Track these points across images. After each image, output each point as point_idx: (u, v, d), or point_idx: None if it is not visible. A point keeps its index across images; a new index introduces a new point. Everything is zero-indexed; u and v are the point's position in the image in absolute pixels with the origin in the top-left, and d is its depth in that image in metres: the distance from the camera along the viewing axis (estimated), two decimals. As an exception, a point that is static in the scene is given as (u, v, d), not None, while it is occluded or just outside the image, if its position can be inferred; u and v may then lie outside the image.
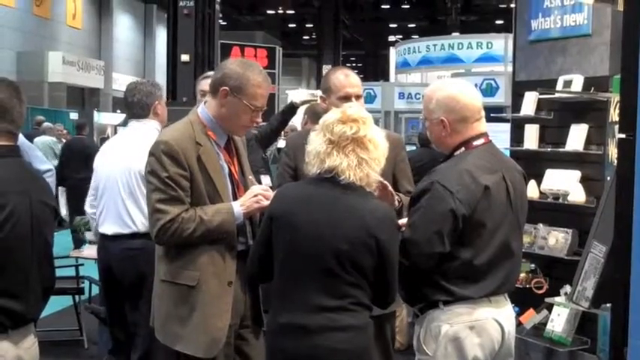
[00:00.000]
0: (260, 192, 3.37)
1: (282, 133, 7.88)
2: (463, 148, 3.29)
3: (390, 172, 3.73)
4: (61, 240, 7.78)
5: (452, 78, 12.77)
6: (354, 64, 56.86)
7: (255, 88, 3.38)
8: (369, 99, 15.06)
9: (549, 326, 5.32)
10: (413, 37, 36.67)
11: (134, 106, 4.86)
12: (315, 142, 3.05)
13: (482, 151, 3.28)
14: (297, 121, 8.24)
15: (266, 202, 3.30)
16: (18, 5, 30.37)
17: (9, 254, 2.72)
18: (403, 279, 3.14)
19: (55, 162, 15.27)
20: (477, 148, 3.28)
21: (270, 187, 3.57)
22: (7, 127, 2.82)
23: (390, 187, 3.50)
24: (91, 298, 6.81)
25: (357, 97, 3.91)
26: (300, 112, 6.77)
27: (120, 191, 4.73)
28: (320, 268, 2.93)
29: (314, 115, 6.66)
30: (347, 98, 3.86)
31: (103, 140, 23.21)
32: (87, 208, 5.14)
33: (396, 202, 3.61)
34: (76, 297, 6.76)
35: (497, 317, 3.23)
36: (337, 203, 2.97)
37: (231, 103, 3.38)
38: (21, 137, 9.58)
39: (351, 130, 3.00)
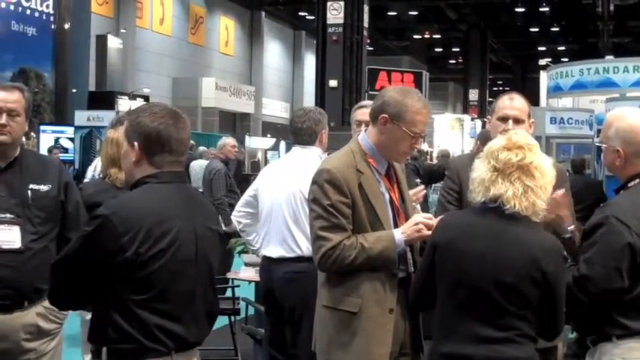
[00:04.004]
0: (422, 220, 3.35)
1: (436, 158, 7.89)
2: (638, 180, 3.19)
3: None
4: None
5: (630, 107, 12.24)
6: (501, 88, 56.00)
7: (414, 115, 3.38)
8: (519, 124, 14.62)
9: None
10: (563, 60, 35.84)
11: (302, 132, 4.93)
12: (480, 170, 3.01)
13: None
14: (446, 145, 8.22)
15: (427, 232, 3.29)
16: (174, 34, 31.77)
17: (172, 279, 2.77)
18: (575, 310, 3.07)
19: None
20: None
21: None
22: (166, 157, 2.86)
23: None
24: (247, 319, 6.95)
25: (517, 120, 3.80)
26: (452, 135, 6.77)
27: (285, 216, 4.82)
28: (485, 300, 2.89)
29: (486, 141, 6.61)
30: (504, 120, 3.79)
31: (254, 164, 23.83)
32: (234, 217, 5.31)
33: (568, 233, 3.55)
34: (232, 317, 6.92)
35: None
36: (503, 234, 2.92)
37: (390, 130, 3.40)
38: None
39: (516, 157, 2.94)
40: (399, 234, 3.35)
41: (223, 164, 10.18)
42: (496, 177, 2.95)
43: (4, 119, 3.62)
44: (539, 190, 2.94)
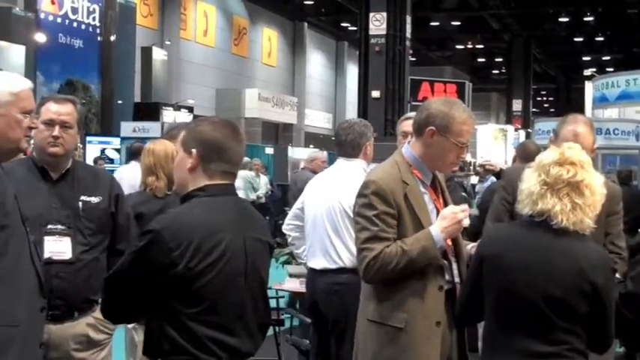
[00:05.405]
0: (450, 212, 3.36)
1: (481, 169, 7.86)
2: None
3: (603, 223, 3.55)
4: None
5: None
6: (544, 98, 55.61)
7: (461, 125, 3.39)
8: (564, 134, 14.40)
9: None
10: (607, 70, 35.45)
11: (346, 145, 4.94)
12: (529, 182, 2.98)
13: None
14: (490, 156, 8.19)
15: (462, 215, 3.32)
16: (218, 45, 32.02)
17: (223, 291, 2.79)
18: (623, 326, 3.04)
19: (253, 196, 15.84)
20: None
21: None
22: (222, 166, 2.88)
23: None
24: (292, 330, 6.96)
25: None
26: (495, 146, 6.73)
27: (326, 228, 4.84)
28: (533, 314, 2.86)
29: (523, 154, 6.59)
30: None
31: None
32: (284, 229, 5.38)
33: None
34: (277, 328, 6.93)
35: None
36: (551, 247, 2.90)
37: (438, 142, 3.40)
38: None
39: (568, 174, 2.90)
40: (436, 229, 3.33)
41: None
42: (545, 191, 2.92)
43: (57, 131, 3.67)
44: (587, 207, 2.90)
